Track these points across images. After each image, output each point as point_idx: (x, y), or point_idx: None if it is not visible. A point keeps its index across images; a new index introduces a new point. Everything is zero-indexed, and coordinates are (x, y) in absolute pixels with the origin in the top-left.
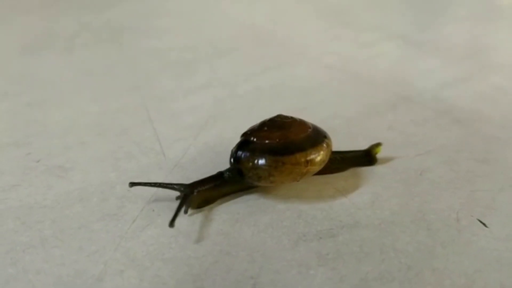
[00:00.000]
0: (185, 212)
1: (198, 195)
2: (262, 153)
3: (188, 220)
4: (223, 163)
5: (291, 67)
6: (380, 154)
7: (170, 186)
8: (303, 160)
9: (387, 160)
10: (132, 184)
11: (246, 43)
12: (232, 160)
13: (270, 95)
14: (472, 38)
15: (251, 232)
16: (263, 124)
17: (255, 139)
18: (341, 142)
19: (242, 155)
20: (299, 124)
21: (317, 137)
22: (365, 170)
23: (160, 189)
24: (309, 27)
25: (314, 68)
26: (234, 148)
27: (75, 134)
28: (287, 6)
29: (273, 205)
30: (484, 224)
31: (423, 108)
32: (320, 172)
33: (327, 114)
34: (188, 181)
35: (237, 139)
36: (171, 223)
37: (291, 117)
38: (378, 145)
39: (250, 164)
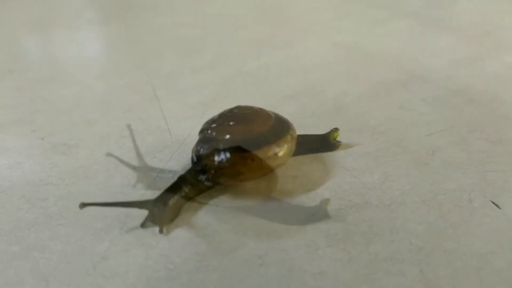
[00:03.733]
0: (161, 231)
1: (171, 208)
2: (227, 150)
3: (196, 200)
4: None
5: (300, 45)
6: (391, 132)
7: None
8: (271, 153)
9: (398, 139)
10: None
11: (254, 20)
12: (194, 159)
13: (278, 73)
14: (486, 17)
15: (258, 212)
16: (223, 118)
17: (216, 135)
18: (352, 121)
19: (204, 153)
20: (261, 115)
21: (281, 127)
22: (375, 149)
23: (170, 165)
24: (319, 4)
25: (323, 46)
26: (194, 146)
27: (80, 111)
28: None
29: (281, 184)
30: (497, 205)
31: (435, 87)
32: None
33: (337, 93)
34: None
35: None
36: (84, 204)
37: (251, 108)
38: (335, 130)
39: (216, 163)
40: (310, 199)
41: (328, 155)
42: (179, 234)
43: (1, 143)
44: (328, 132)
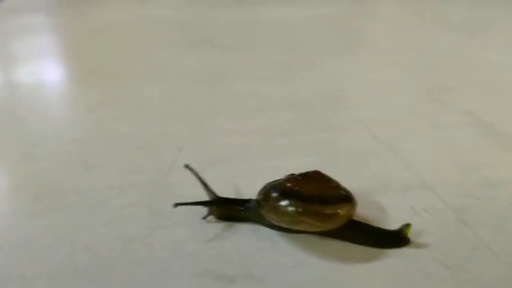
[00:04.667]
0: (204, 217)
1: (221, 209)
2: (274, 190)
3: (136, 227)
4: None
5: (339, 132)
6: None
7: (207, 187)
8: (298, 207)
9: None
10: (186, 167)
11: (315, 101)
12: (260, 191)
13: (299, 153)
14: None
15: (170, 253)
16: (299, 174)
17: (282, 181)
18: None
19: (263, 188)
20: (328, 182)
21: (333, 197)
22: (321, 240)
23: (145, 201)
24: (393, 99)
25: (361, 137)
26: (267, 183)
27: (120, 145)
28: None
29: (210, 240)
30: None
31: (437, 198)
32: (335, 236)
33: None
34: (161, 205)
35: (233, 184)
36: (176, 205)
37: (328, 177)
38: (407, 225)
39: (261, 196)
40: (218, 259)
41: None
42: (100, 252)
43: None
44: (400, 227)
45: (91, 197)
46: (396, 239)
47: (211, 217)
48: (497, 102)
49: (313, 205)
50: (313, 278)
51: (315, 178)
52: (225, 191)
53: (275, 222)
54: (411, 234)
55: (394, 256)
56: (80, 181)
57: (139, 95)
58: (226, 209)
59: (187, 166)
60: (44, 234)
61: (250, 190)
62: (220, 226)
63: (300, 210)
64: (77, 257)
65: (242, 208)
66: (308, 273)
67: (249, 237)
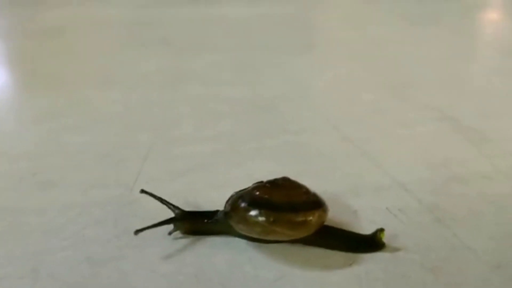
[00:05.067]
0: (169, 233)
1: (188, 223)
2: (242, 200)
3: (104, 248)
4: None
5: (308, 134)
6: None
7: (168, 204)
8: (270, 218)
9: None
10: (142, 191)
11: (282, 102)
12: (227, 200)
13: (268, 158)
14: None
15: (143, 277)
16: (267, 181)
17: (250, 190)
18: None
19: (230, 198)
20: (296, 190)
21: (304, 204)
22: (296, 248)
23: (111, 218)
24: (357, 97)
25: (331, 139)
26: (234, 192)
27: (78, 158)
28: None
29: (182, 259)
30: None
31: (412, 198)
32: (308, 242)
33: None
34: (130, 221)
35: (204, 195)
36: (137, 231)
37: (296, 183)
38: (381, 230)
39: (229, 206)
40: (195, 279)
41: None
42: (66, 279)
43: None
44: (373, 232)
45: (50, 218)
46: (370, 243)
47: (177, 233)
48: (460, 96)
49: (284, 214)
50: None
51: (284, 185)
52: (193, 203)
53: (245, 233)
54: (387, 237)
55: (375, 262)
56: (36, 201)
57: (93, 102)
58: (192, 223)
59: (143, 191)
60: (2, 264)
61: (220, 200)
62: (190, 241)
63: (271, 219)
64: (40, 286)
65: (210, 220)
66: (291, 287)
67: (223, 251)
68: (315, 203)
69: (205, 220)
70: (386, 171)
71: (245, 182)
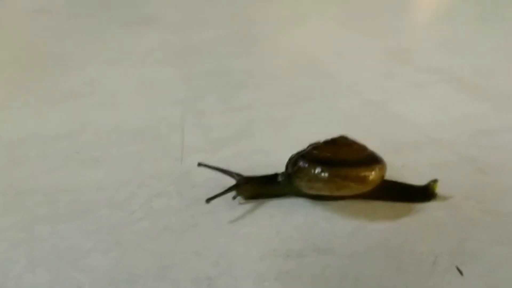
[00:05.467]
0: (234, 197)
1: (251, 187)
2: (310, 160)
3: (179, 221)
4: (227, 183)
5: (331, 98)
6: None
7: (229, 172)
8: (341, 174)
9: None
10: (200, 164)
11: (295, 71)
12: (287, 162)
13: (303, 123)
14: None
15: (227, 240)
16: (325, 141)
17: (312, 150)
18: None
19: (291, 160)
20: (357, 146)
21: (367, 159)
22: (363, 203)
23: (170, 189)
24: (365, 63)
25: (353, 102)
26: (293, 153)
27: (117, 135)
28: (350, 43)
29: (257, 220)
30: (460, 272)
31: (450, 152)
32: (370, 196)
33: None
34: (191, 189)
35: (253, 160)
36: (208, 200)
37: (353, 140)
38: (435, 181)
39: (296, 167)
40: (278, 237)
41: (307, 202)
42: (149, 247)
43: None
44: (428, 183)
45: (112, 194)
46: (425, 194)
47: (240, 198)
48: (458, 56)
49: (355, 169)
50: (376, 242)
51: (344, 143)
52: (245, 169)
53: (314, 192)
54: (439, 188)
55: (438, 209)
56: (88, 178)
57: (107, 79)
58: (255, 188)
59: (200, 164)
60: (81, 241)
61: (270, 164)
62: (255, 205)
63: (344, 175)
64: (129, 257)
65: (272, 183)
66: (368, 238)
67: (294, 211)
68: (375, 159)
69: (268, 183)
70: (417, 129)
71: (290, 147)
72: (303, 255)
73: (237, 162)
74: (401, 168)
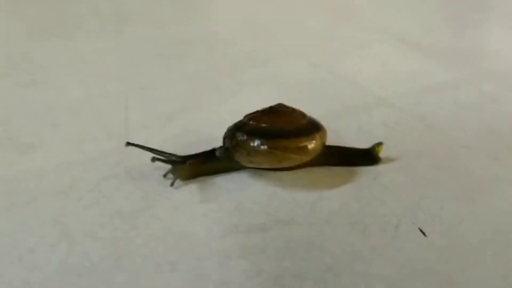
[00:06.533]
0: (172, 184)
1: (190, 167)
2: (249, 133)
3: (131, 204)
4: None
5: (276, 64)
6: None
7: (163, 154)
8: (282, 146)
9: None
10: (128, 144)
11: (239, 37)
12: (224, 136)
13: (250, 90)
14: (471, 42)
15: (185, 219)
16: (263, 110)
17: (249, 121)
18: None
19: (228, 133)
20: (295, 114)
21: (307, 128)
22: (318, 170)
23: (118, 170)
24: (308, 24)
25: (300, 66)
26: (230, 125)
27: (51, 115)
28: (290, 4)
29: (214, 196)
30: (423, 233)
31: (400, 111)
32: (313, 164)
33: None
34: (140, 169)
35: (201, 133)
36: (153, 159)
37: (291, 108)
38: (379, 144)
39: (234, 141)
40: (237, 211)
41: (265, 172)
42: (104, 235)
43: None
44: (372, 146)
45: (54, 181)
46: (369, 157)
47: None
48: (399, 15)
49: (294, 140)
50: (337, 208)
51: (281, 111)
52: (191, 143)
53: (255, 166)
54: (391, 147)
55: (394, 171)
56: (25, 166)
57: (35, 56)
58: (194, 167)
59: (129, 144)
60: (25, 236)
61: (215, 137)
62: (208, 181)
63: (284, 146)
64: (80, 248)
65: (211, 160)
66: (330, 205)
67: (248, 184)
68: (315, 126)
69: (206, 161)
70: (366, 89)
71: (236, 116)
72: (266, 228)
73: (186, 137)
74: (353, 132)
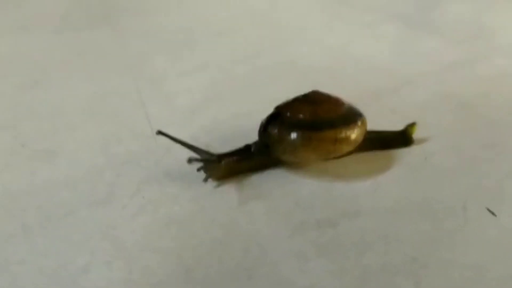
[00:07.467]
0: (205, 180)
1: (225, 166)
2: (290, 127)
3: (182, 208)
4: (219, 149)
5: (288, 49)
6: None
7: (198, 149)
8: (332, 137)
9: None
10: (159, 132)
11: (242, 24)
12: (259, 132)
13: (268, 77)
14: (477, 19)
15: (246, 220)
16: (296, 99)
17: (285, 112)
18: None
19: (269, 127)
20: (333, 101)
21: (350, 115)
22: (365, 155)
23: (156, 172)
24: (308, 8)
25: (313, 50)
26: (263, 119)
27: (64, 117)
28: None
29: (268, 191)
30: (492, 213)
31: (425, 91)
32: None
33: None
34: (180, 168)
35: (233, 122)
36: (189, 160)
37: (327, 94)
38: (412, 125)
39: (276, 137)
40: (299, 207)
41: (317, 163)
42: (163, 245)
43: None
44: (405, 127)
45: (87, 189)
46: (403, 139)
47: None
48: None
49: (342, 129)
50: (398, 195)
51: (319, 99)
52: (223, 138)
53: (299, 160)
54: (432, 131)
55: (439, 154)
56: (49, 175)
57: (27, 50)
58: (229, 165)
59: (160, 133)
60: (75, 254)
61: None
62: (258, 177)
63: (334, 138)
64: (141, 261)
65: (248, 159)
66: (391, 193)
67: (298, 178)
68: (356, 112)
69: (243, 159)
70: (385, 71)
71: (263, 106)
72: (335, 223)
73: (218, 130)
74: (391, 115)
